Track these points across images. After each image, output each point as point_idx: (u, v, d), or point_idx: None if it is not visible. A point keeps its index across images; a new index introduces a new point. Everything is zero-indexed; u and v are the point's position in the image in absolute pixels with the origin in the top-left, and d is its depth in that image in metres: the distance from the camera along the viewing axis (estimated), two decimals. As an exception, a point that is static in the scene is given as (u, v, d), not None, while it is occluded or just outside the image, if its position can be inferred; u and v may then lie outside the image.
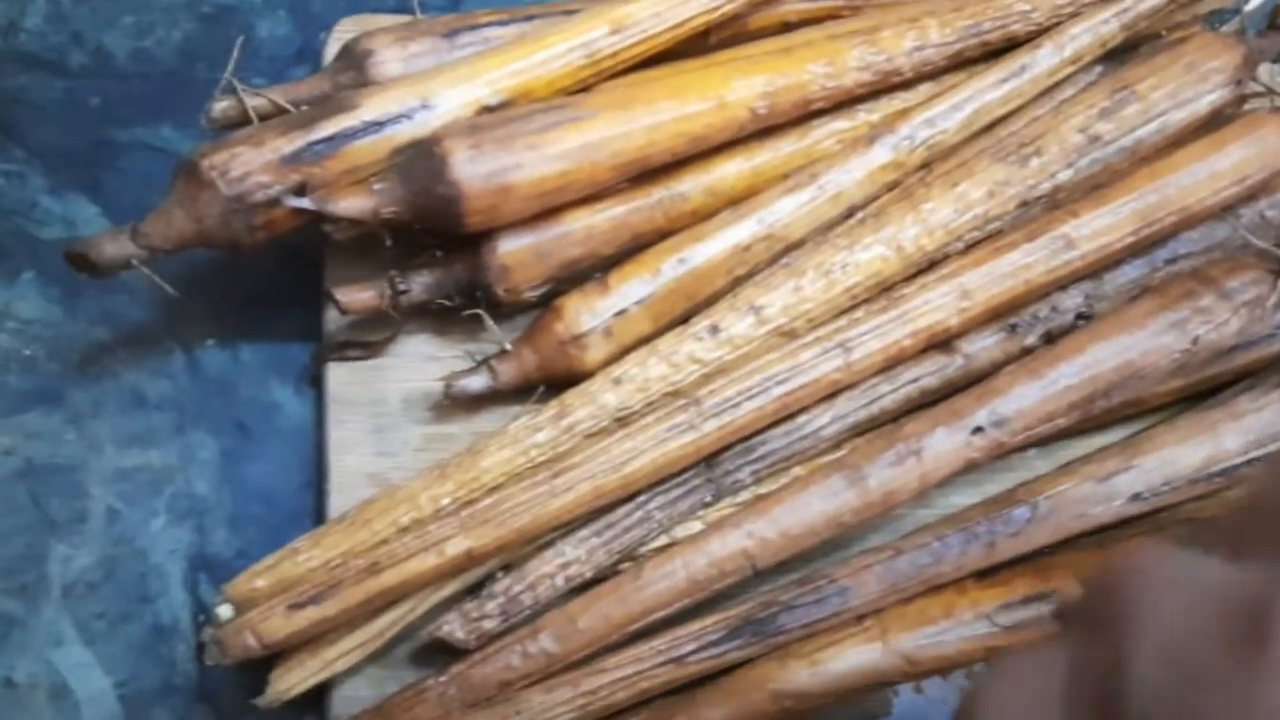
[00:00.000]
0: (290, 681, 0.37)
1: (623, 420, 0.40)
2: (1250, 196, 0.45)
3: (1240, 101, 0.47)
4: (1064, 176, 0.43)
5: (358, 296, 0.40)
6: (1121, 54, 0.46)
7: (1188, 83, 0.44)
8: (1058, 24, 0.45)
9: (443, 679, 0.38)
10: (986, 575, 0.41)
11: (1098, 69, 0.46)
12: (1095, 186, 0.43)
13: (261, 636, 0.35)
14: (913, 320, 0.42)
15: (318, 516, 0.42)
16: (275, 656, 0.37)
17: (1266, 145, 0.44)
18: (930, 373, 0.42)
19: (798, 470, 0.42)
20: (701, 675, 0.39)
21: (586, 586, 0.39)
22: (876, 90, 0.45)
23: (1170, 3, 0.46)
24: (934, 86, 0.45)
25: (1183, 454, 0.42)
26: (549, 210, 0.40)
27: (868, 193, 0.44)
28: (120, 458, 0.43)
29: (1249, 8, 0.48)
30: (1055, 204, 0.43)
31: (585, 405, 0.40)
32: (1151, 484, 0.42)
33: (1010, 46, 0.45)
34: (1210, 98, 0.44)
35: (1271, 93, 0.47)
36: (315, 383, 0.44)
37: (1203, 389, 0.45)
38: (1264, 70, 0.47)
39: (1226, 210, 0.44)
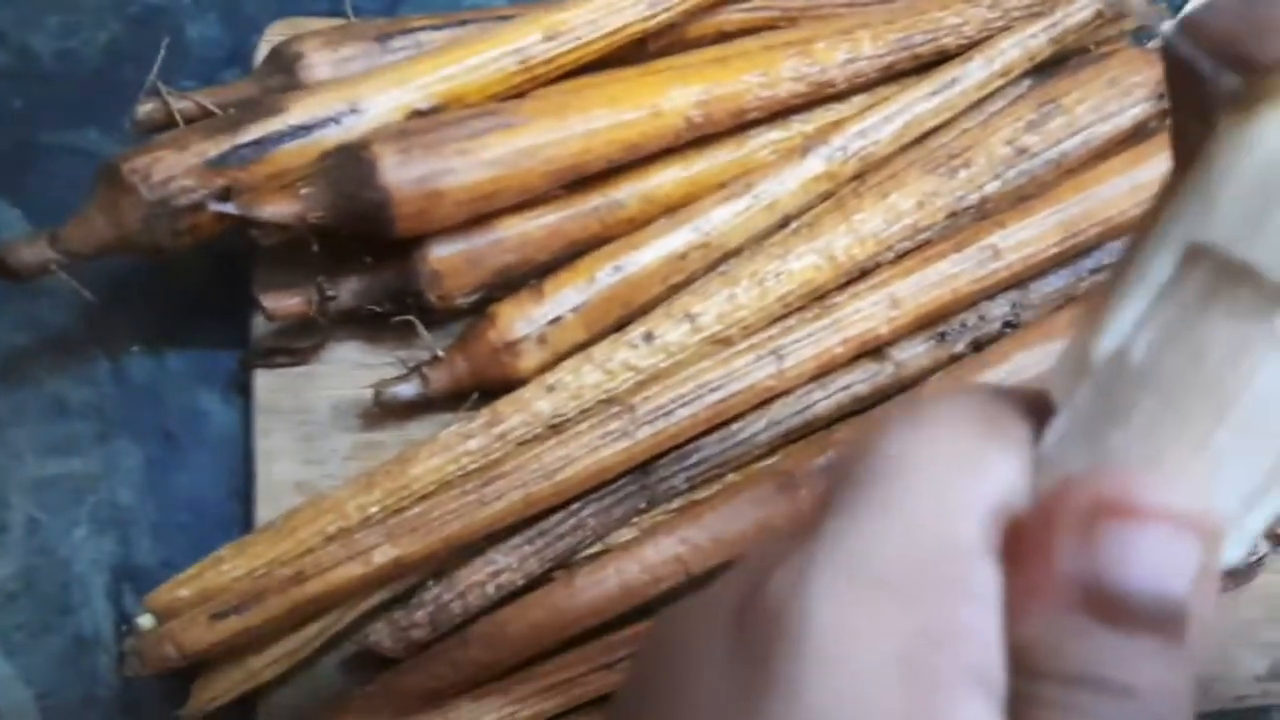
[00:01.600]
0: (214, 692, 0.36)
1: (556, 427, 0.40)
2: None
3: (1163, 116, 0.48)
4: (991, 188, 0.44)
5: (285, 303, 0.39)
6: (1050, 68, 0.47)
7: (1111, 97, 0.45)
8: (988, 38, 0.46)
9: (371, 688, 0.37)
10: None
11: (1026, 82, 0.47)
12: (1022, 198, 0.44)
13: (182, 646, 0.35)
14: (844, 328, 0.42)
15: (245, 526, 0.41)
16: (200, 667, 0.36)
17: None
18: (862, 380, 0.43)
19: (732, 477, 0.42)
20: (633, 683, 0.39)
21: (518, 595, 0.39)
22: (811, 101, 0.45)
23: (1097, 19, 0.47)
24: (867, 98, 0.46)
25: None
26: (482, 216, 0.40)
27: (801, 202, 0.44)
28: (41, 466, 0.42)
29: (1186, 10, 0.49)
30: (983, 215, 0.44)
31: (518, 412, 0.40)
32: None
33: (941, 60, 0.46)
34: (1133, 112, 0.45)
35: (1193, 108, 0.48)
36: (243, 390, 0.43)
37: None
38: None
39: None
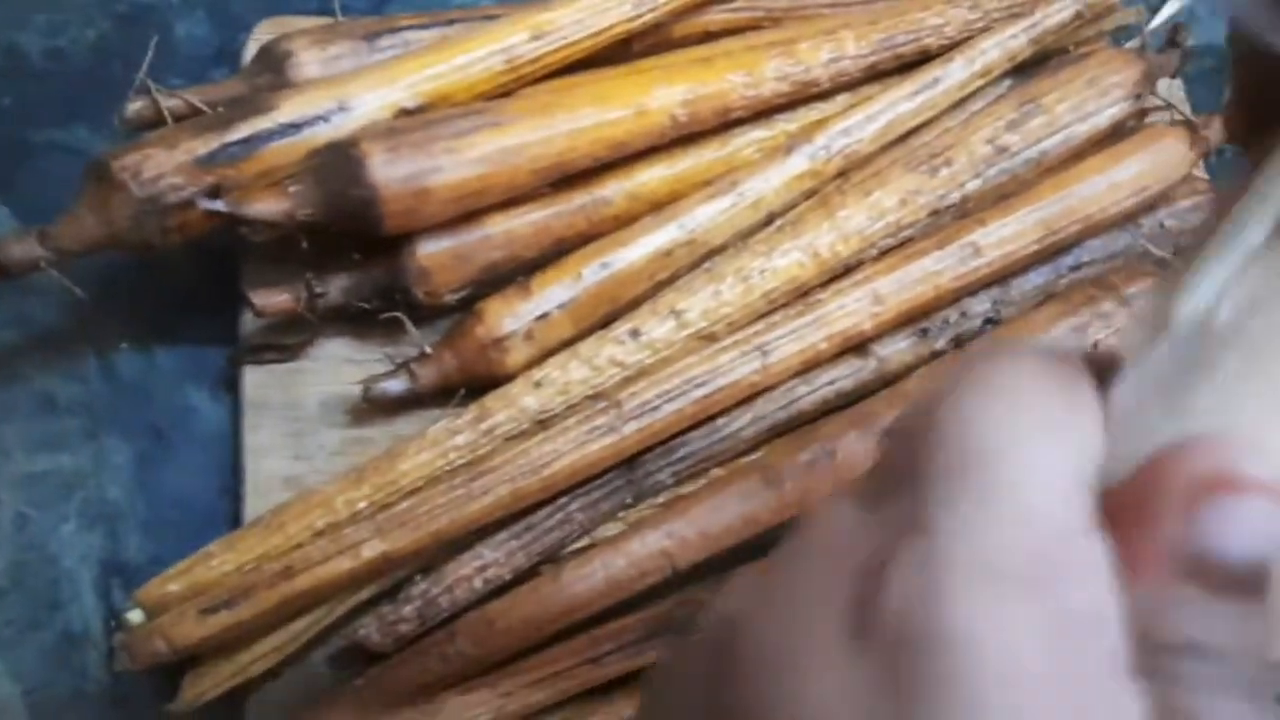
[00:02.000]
0: (203, 687, 0.36)
1: (543, 423, 0.40)
2: (1150, 207, 0.47)
3: (1141, 115, 0.49)
4: (973, 186, 0.44)
5: (274, 299, 0.40)
6: (1030, 68, 0.48)
7: (1090, 97, 0.45)
8: (969, 38, 0.47)
9: (359, 683, 0.37)
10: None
11: (1007, 82, 0.48)
12: (1002, 196, 0.45)
13: (172, 641, 0.35)
14: (828, 324, 0.43)
15: (234, 522, 0.41)
16: (189, 662, 0.37)
17: (1165, 158, 0.46)
18: (846, 375, 0.43)
19: (717, 471, 0.42)
20: (620, 675, 0.39)
21: (505, 589, 0.39)
22: (795, 100, 0.46)
23: (1076, 19, 0.48)
24: (850, 97, 0.47)
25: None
26: (469, 214, 0.40)
27: (786, 200, 0.44)
28: (30, 462, 0.42)
29: (1150, 26, 0.50)
30: (964, 213, 0.45)
31: (505, 408, 0.40)
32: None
33: (923, 60, 0.47)
34: (1111, 111, 0.46)
35: (1170, 107, 0.49)
36: (231, 387, 0.43)
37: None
38: (1163, 85, 0.49)
39: (1127, 220, 0.46)
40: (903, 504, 0.16)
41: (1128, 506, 0.15)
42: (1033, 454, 0.15)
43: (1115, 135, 0.47)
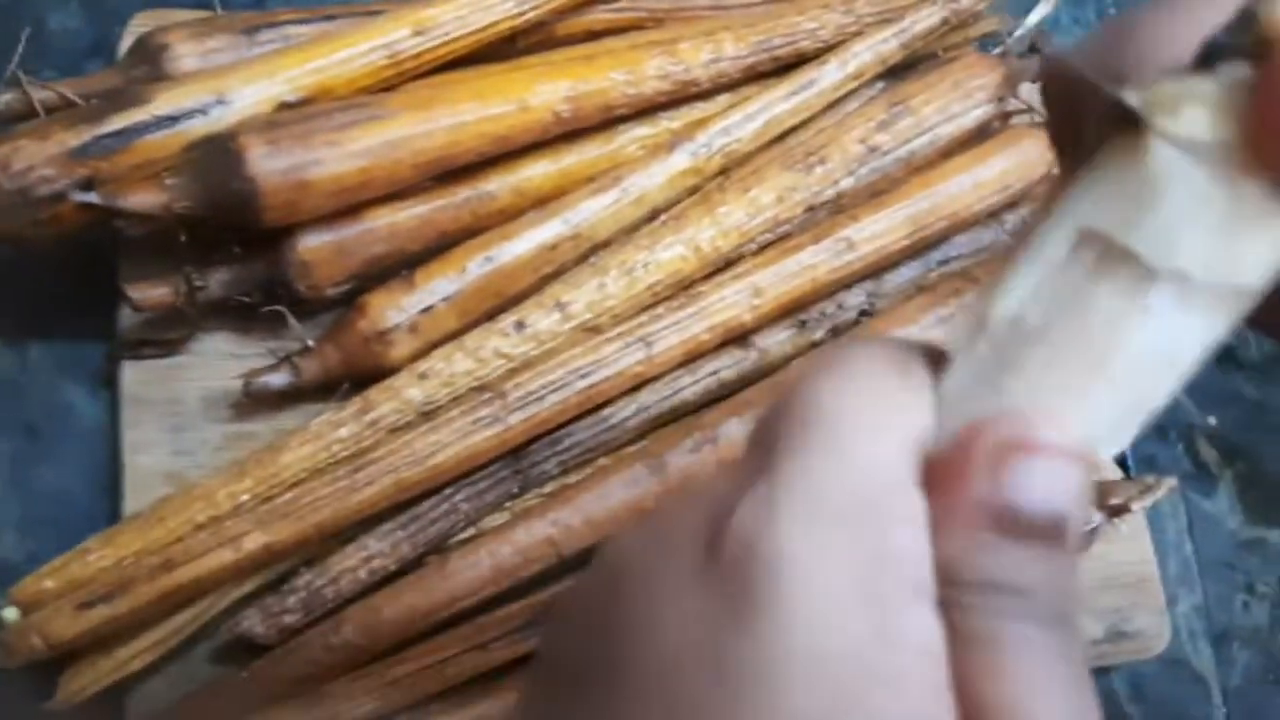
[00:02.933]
0: (82, 683, 0.36)
1: (428, 414, 0.41)
2: (1012, 204, 0.49)
3: (1005, 117, 0.51)
4: (846, 184, 0.46)
5: (152, 293, 0.39)
6: (901, 71, 0.50)
7: (955, 99, 0.48)
8: (842, 42, 0.49)
9: (244, 675, 0.37)
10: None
11: (878, 85, 0.50)
12: (875, 193, 0.47)
13: (48, 637, 0.35)
14: (710, 316, 0.44)
15: (113, 519, 0.40)
16: (67, 659, 0.36)
17: (1026, 157, 0.49)
18: (728, 366, 0.45)
19: (603, 461, 0.43)
20: (507, 661, 0.40)
21: (391, 579, 0.40)
22: (676, 99, 0.47)
23: (943, 25, 0.50)
24: (730, 97, 0.48)
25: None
26: (352, 207, 0.40)
27: (668, 196, 0.46)
28: (-104, 463, 0.41)
29: (1014, 34, 0.53)
30: (838, 209, 0.46)
31: (389, 400, 0.40)
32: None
33: (799, 62, 0.48)
34: (976, 113, 0.48)
35: (1031, 110, 0.51)
36: (109, 383, 0.42)
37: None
38: (1025, 89, 0.52)
39: (991, 217, 0.49)
40: (758, 459, 0.18)
41: (947, 468, 0.18)
42: (867, 418, 0.18)
43: (980, 136, 0.49)
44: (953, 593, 0.17)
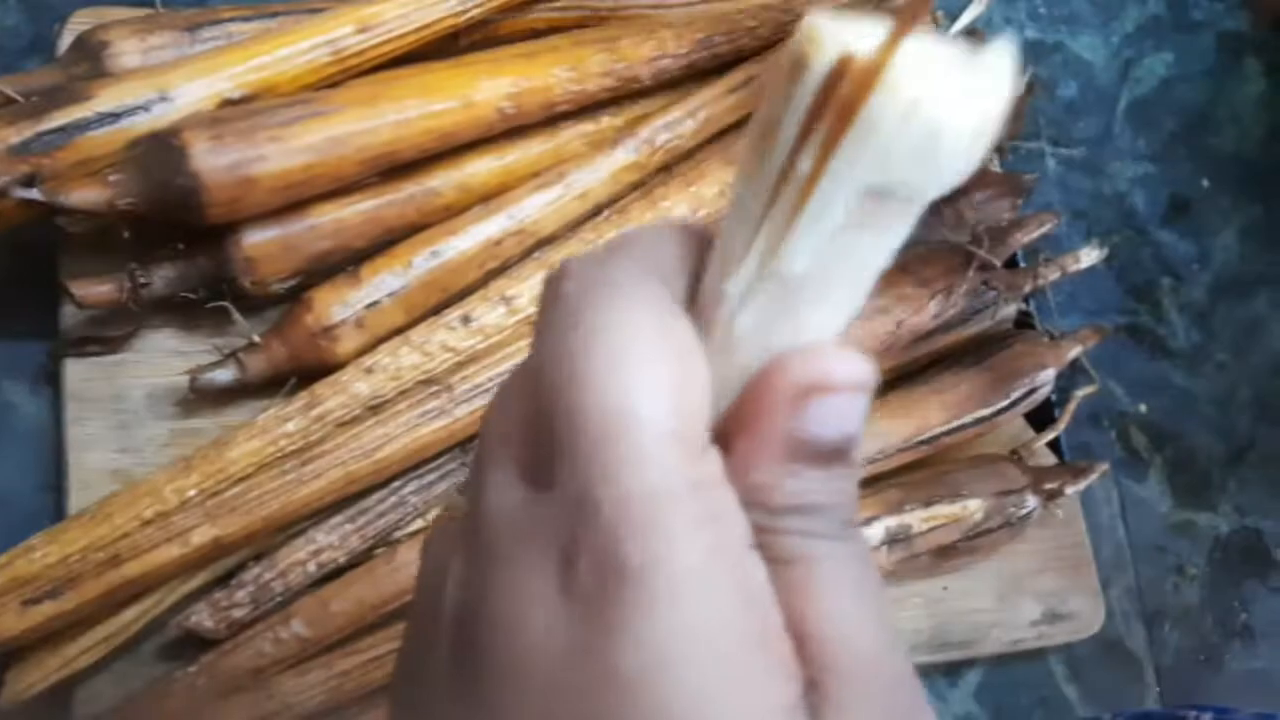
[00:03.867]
0: (29, 680, 0.36)
1: (375, 408, 0.41)
2: (951, 199, 0.50)
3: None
4: (786, 177, 0.47)
5: (95, 290, 0.39)
6: (838, 69, 0.51)
7: (891, 95, 0.49)
8: (781, 40, 0.50)
9: (192, 669, 0.38)
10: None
11: (817, 81, 0.51)
12: (814, 187, 0.48)
13: (-8, 634, 0.34)
14: (653, 310, 0.45)
15: (57, 517, 0.40)
16: (14, 656, 0.36)
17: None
18: (671, 358, 0.46)
19: (550, 453, 0.44)
20: (456, 651, 0.40)
21: (340, 573, 0.40)
22: (618, 96, 0.48)
23: (879, 24, 0.51)
24: (672, 94, 0.49)
25: (894, 426, 0.47)
26: (296, 203, 0.41)
27: (612, 191, 0.46)
28: None
29: (949, 32, 0.54)
30: (778, 202, 0.47)
31: (337, 395, 0.41)
32: (867, 453, 0.46)
33: (739, 59, 0.49)
34: (910, 109, 0.49)
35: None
36: (51, 381, 0.42)
37: (911, 369, 0.50)
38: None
39: (928, 210, 0.50)
40: (565, 484, 0.19)
41: (747, 412, 0.20)
42: (646, 408, 0.18)
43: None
44: (766, 520, 0.19)
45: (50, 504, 0.41)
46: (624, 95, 0.48)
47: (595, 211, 0.46)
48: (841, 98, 0.17)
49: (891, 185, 0.18)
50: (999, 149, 0.53)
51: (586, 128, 0.47)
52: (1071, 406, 0.51)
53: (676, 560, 0.18)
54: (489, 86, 0.44)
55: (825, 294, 0.19)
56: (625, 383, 0.18)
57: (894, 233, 0.19)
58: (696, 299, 0.21)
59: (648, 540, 0.18)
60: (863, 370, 0.20)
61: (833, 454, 0.20)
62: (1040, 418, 0.52)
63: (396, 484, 0.41)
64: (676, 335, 0.19)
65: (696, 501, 0.18)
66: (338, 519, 0.40)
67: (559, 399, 0.19)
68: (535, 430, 0.20)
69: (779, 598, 0.19)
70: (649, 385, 0.19)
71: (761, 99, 0.19)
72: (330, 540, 0.39)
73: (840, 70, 0.17)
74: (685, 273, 0.21)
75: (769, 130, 0.19)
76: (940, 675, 0.50)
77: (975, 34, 0.54)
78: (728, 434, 0.20)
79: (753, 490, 0.19)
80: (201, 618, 0.37)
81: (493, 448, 0.21)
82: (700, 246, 0.21)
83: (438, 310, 0.43)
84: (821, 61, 0.17)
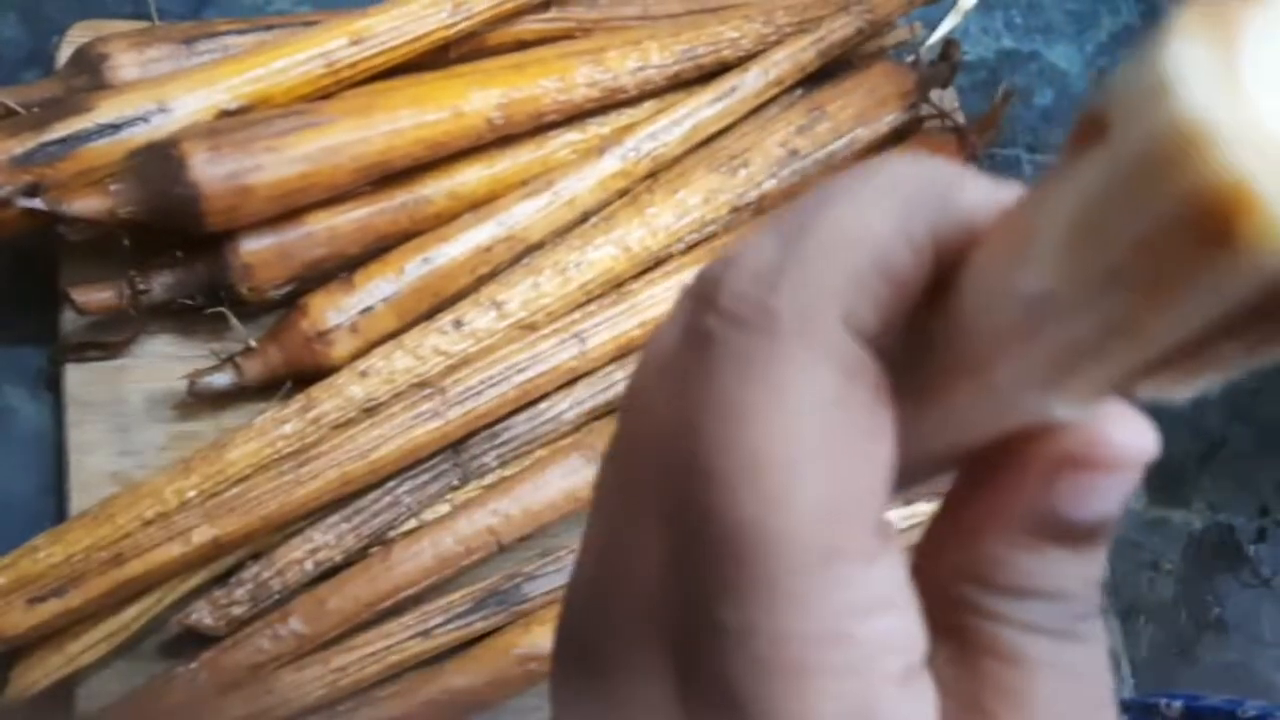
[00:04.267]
0: (33, 677, 0.37)
1: (370, 411, 0.42)
2: (926, 203, 0.52)
3: (918, 122, 0.54)
4: (768, 185, 0.49)
5: (96, 296, 0.40)
6: (819, 78, 0.52)
7: (870, 105, 0.50)
8: (763, 50, 0.51)
9: (193, 666, 0.38)
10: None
11: (798, 91, 0.52)
12: (795, 194, 0.49)
13: (0, 632, 0.35)
14: (641, 312, 0.46)
15: (58, 520, 0.41)
16: (18, 653, 0.37)
17: (937, 159, 0.51)
18: (658, 361, 0.47)
19: (540, 453, 0.45)
20: (450, 646, 0.41)
21: (336, 571, 0.41)
22: (605, 106, 0.49)
23: (858, 35, 0.53)
24: (656, 104, 0.50)
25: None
26: (292, 211, 0.42)
27: (599, 198, 0.47)
28: None
29: (926, 42, 0.56)
30: (761, 209, 0.49)
31: (332, 398, 0.42)
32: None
33: (722, 70, 0.50)
34: (889, 118, 0.51)
35: (942, 115, 0.54)
36: (51, 386, 0.43)
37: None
38: (936, 94, 0.54)
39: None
40: (700, 573, 0.15)
41: (1000, 470, 0.16)
42: (788, 523, 0.14)
43: (894, 139, 0.52)
44: (983, 600, 0.16)
45: (51, 506, 0.42)
46: (610, 105, 0.49)
47: (583, 218, 0.47)
48: None
49: None
50: (976, 158, 0.55)
51: (574, 137, 0.49)
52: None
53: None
54: (479, 97, 0.45)
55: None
56: (767, 492, 0.14)
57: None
58: (944, 298, 0.15)
59: (776, 691, 0.14)
60: (1148, 441, 0.15)
61: (1087, 534, 0.16)
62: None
63: (391, 484, 0.42)
64: (850, 415, 0.15)
65: (835, 642, 0.14)
66: (334, 518, 0.41)
67: (698, 461, 0.14)
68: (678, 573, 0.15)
69: (967, 692, 0.15)
70: (799, 491, 0.14)
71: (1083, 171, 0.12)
72: (327, 539, 0.40)
73: None
74: (912, 248, 0.15)
75: (1125, 253, 0.12)
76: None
77: (951, 44, 0.55)
78: (966, 480, 0.16)
79: (975, 562, 0.16)
80: (201, 615, 0.38)
81: (627, 635, 0.16)
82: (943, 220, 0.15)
83: (430, 315, 0.44)
84: (1269, 255, 0.10)
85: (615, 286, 0.46)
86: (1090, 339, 0.13)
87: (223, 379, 0.41)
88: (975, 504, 0.16)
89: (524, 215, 0.46)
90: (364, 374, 0.42)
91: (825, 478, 0.14)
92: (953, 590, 0.16)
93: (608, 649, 0.16)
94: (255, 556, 0.40)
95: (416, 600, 0.41)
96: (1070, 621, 0.16)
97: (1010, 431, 0.15)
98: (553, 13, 0.50)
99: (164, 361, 0.43)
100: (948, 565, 0.16)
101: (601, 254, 0.46)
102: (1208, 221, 0.10)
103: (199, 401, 0.42)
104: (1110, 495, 0.15)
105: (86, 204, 0.38)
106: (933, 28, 0.55)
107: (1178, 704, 0.43)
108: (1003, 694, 0.15)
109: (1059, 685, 0.16)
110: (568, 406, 0.45)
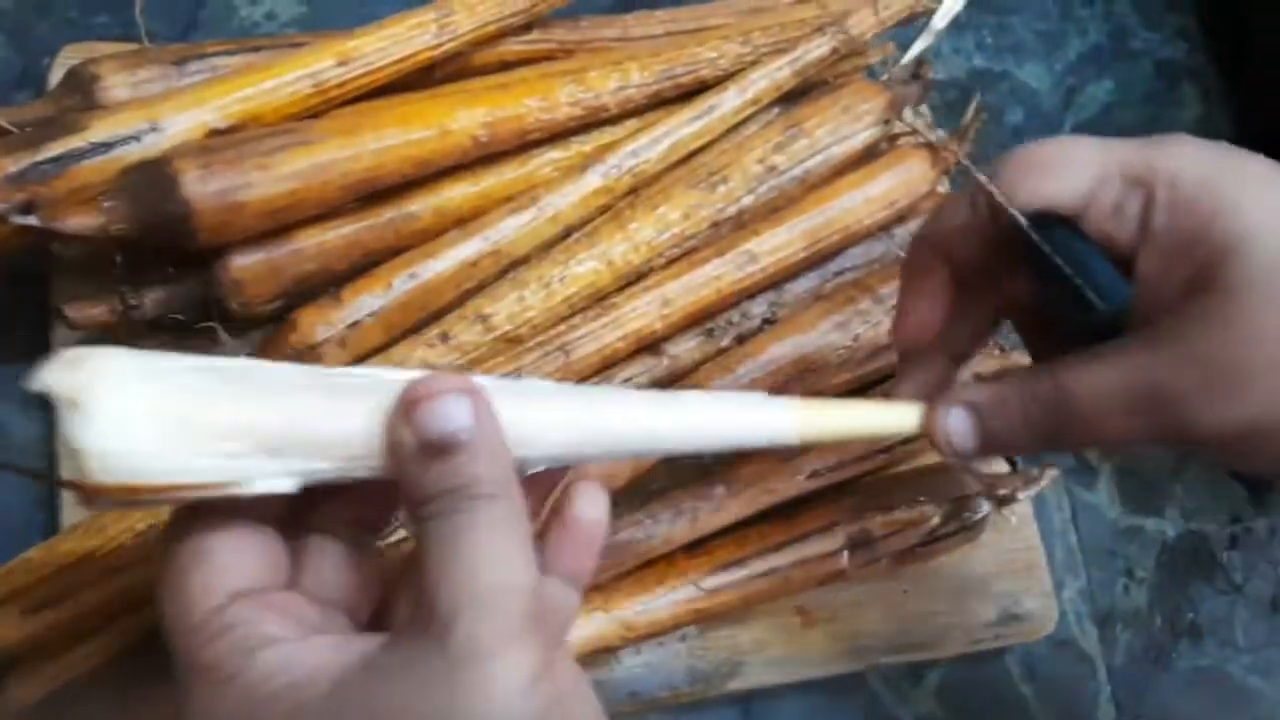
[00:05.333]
0: (30, 688, 0.37)
1: (358, 423, 0.42)
2: (900, 218, 0.53)
3: (892, 139, 0.55)
4: (747, 201, 0.50)
5: (88, 312, 0.41)
6: (795, 97, 0.54)
7: (845, 122, 0.52)
8: (741, 70, 0.52)
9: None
10: (692, 547, 0.46)
11: (775, 109, 0.53)
12: (773, 209, 0.50)
13: (-6, 642, 0.36)
14: (623, 325, 0.47)
15: (51, 533, 0.41)
16: (14, 664, 0.37)
17: (911, 175, 0.53)
18: (641, 372, 0.48)
19: (526, 466, 0.46)
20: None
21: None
22: (587, 124, 0.50)
23: (833, 55, 0.54)
24: (637, 122, 0.51)
25: (853, 436, 0.49)
26: (281, 228, 0.42)
27: (582, 214, 0.48)
28: None
29: (900, 62, 0.57)
30: (740, 224, 0.50)
31: (321, 410, 0.42)
32: (826, 463, 0.48)
33: (701, 89, 0.52)
34: (864, 135, 0.52)
35: (915, 132, 0.55)
36: (43, 401, 0.43)
37: (871, 380, 0.52)
38: (909, 113, 0.56)
39: (881, 229, 0.52)
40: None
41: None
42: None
43: (868, 156, 0.53)
44: (416, 510, 0.25)
45: (43, 520, 0.43)
46: (592, 123, 0.50)
47: (566, 233, 0.48)
48: None
49: None
50: (948, 173, 0.56)
51: (557, 154, 0.50)
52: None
53: None
54: (464, 116, 0.46)
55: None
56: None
57: None
58: None
59: None
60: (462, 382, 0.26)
61: (444, 445, 0.25)
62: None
63: (379, 495, 0.42)
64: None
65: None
66: (323, 529, 0.41)
67: None
68: None
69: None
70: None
71: None
72: (316, 549, 0.41)
73: None
74: None
75: None
76: (903, 676, 0.52)
77: (924, 64, 0.57)
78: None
79: (403, 491, 0.25)
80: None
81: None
82: None
83: (417, 329, 0.45)
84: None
85: (598, 300, 0.47)
86: None
87: (213, 393, 0.42)
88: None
89: (509, 231, 0.47)
90: (353, 387, 0.43)
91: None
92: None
93: None
94: (246, 567, 0.40)
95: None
96: (468, 501, 0.25)
97: None
98: (535, 34, 0.51)
99: (155, 376, 0.43)
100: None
101: (585, 268, 0.47)
102: None
103: (189, 415, 0.42)
104: (444, 413, 0.25)
105: (79, 221, 0.39)
106: (906, 48, 0.57)
107: None
108: (441, 550, 0.25)
109: (476, 533, 0.25)
110: (553, 418, 0.46)
